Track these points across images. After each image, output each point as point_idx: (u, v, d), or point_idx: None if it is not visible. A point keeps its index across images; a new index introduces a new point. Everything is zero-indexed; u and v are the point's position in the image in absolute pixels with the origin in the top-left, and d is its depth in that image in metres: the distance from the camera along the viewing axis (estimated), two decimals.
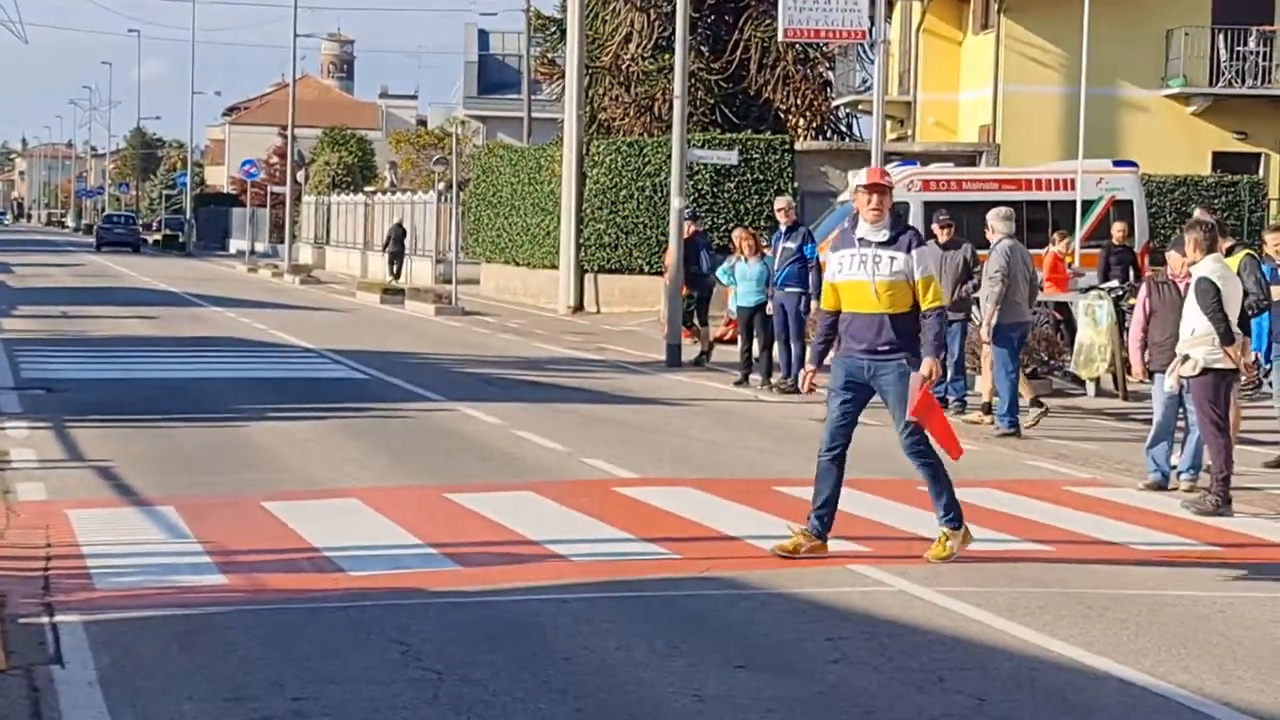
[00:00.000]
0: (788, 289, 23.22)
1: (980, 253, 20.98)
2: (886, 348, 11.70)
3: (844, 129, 50.41)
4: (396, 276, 58.19)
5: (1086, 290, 25.14)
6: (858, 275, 11.75)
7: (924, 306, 11.68)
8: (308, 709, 8.08)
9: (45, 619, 9.70)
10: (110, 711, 8.01)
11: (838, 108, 49.66)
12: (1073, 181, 32.55)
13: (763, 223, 34.87)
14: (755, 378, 24.16)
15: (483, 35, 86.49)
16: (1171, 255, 15.79)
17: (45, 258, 73.01)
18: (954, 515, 11.86)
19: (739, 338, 25.06)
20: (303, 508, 13.48)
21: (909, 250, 11.70)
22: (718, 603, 10.50)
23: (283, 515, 13.11)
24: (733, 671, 8.94)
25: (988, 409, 20.42)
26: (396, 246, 60.11)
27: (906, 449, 11.84)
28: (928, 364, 11.64)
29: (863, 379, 11.84)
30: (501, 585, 10.81)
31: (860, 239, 11.78)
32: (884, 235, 11.73)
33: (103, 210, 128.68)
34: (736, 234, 25.16)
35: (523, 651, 9.22)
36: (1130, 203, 33.63)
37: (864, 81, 48.88)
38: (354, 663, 8.95)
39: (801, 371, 12.36)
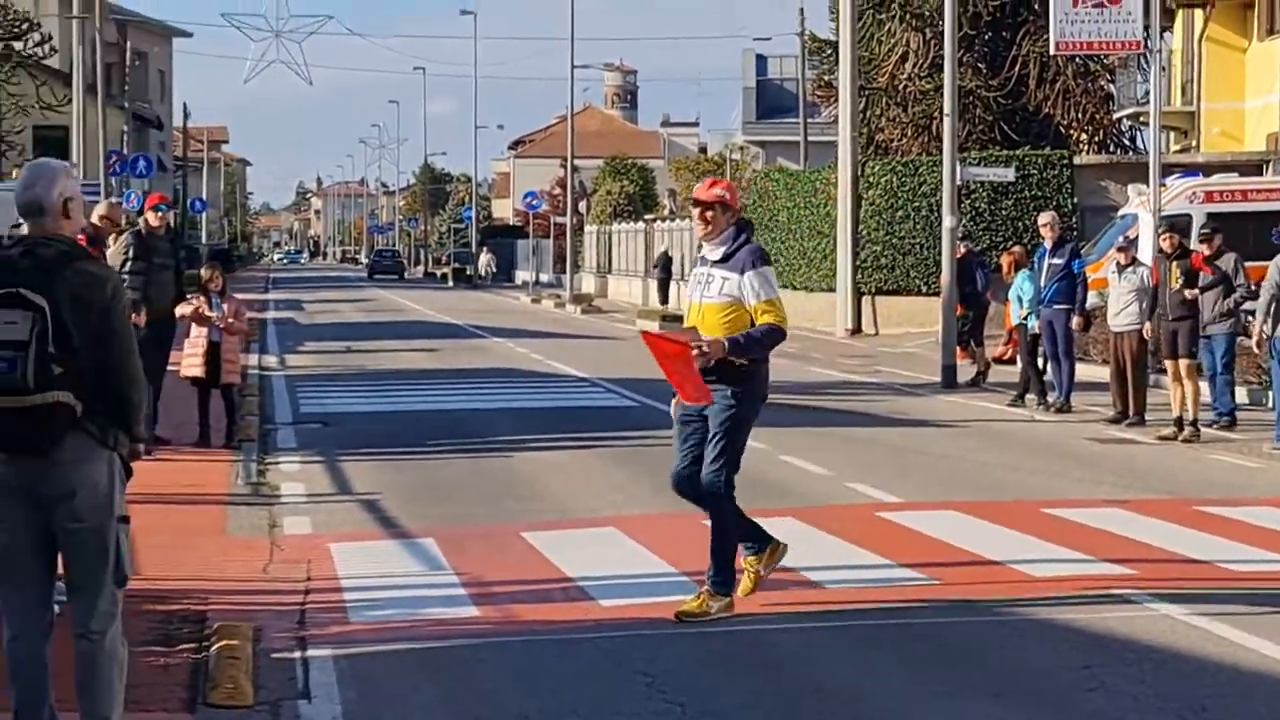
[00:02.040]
0: (1056, 306, 22.79)
1: (1251, 265, 20.57)
2: (714, 378, 10.33)
3: (1126, 142, 49.52)
4: (664, 302, 58.88)
5: None
6: (693, 297, 10.61)
7: (761, 322, 10.31)
8: None
9: (297, 653, 9.77)
10: None
11: (1119, 120, 48.77)
12: None
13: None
14: (1030, 397, 23.73)
15: (760, 60, 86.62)
16: None
17: (335, 294, 74.54)
18: (725, 579, 10.57)
19: (1018, 357, 24.69)
20: (560, 537, 13.46)
21: (742, 271, 10.36)
22: (972, 630, 10.24)
23: (539, 545, 13.09)
24: (987, 700, 8.70)
25: (1180, 423, 20.02)
26: (664, 273, 61.09)
27: (704, 482, 10.57)
28: (720, 342, 10.18)
29: (688, 410, 10.61)
30: (755, 614, 10.66)
31: (701, 258, 10.70)
32: (719, 253, 10.49)
33: (381, 244, 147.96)
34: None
35: (771, 682, 9.07)
36: None
37: (1146, 93, 47.82)
38: (598, 694, 8.87)
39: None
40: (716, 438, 10.46)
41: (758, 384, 10.55)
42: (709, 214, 10.50)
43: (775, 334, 10.34)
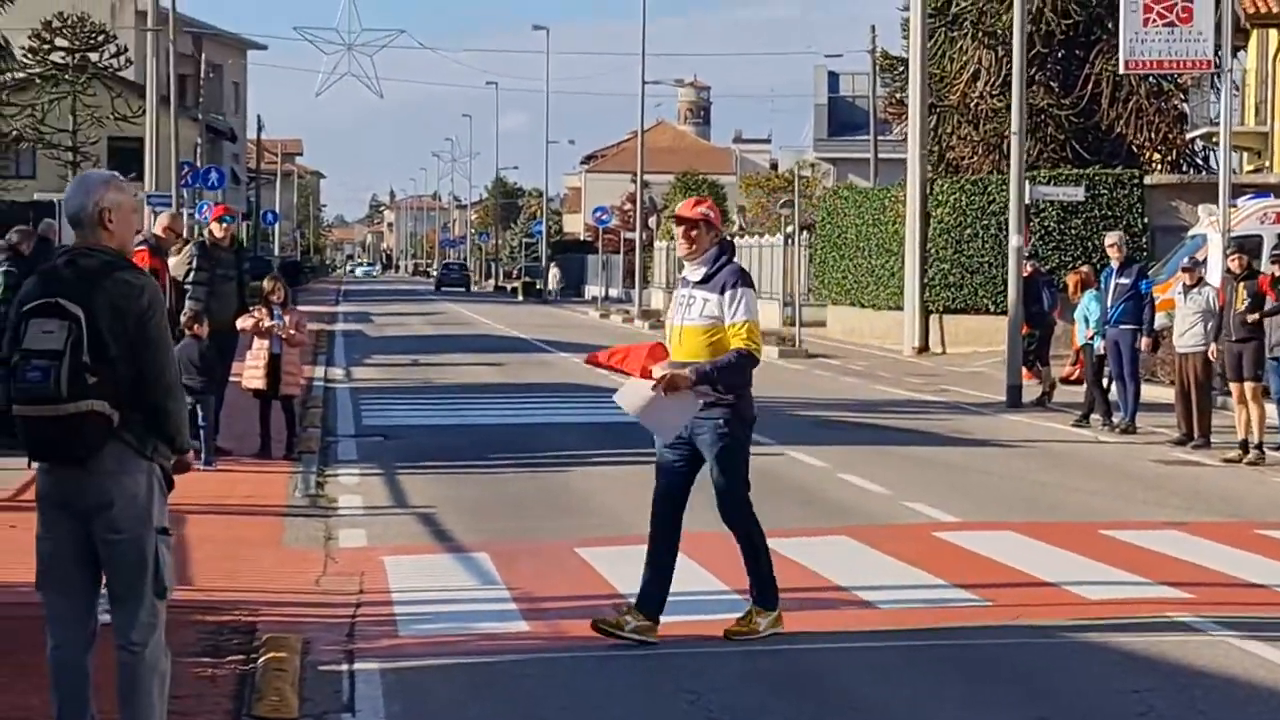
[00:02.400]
0: (1122, 326, 22.68)
1: None
2: (701, 403, 10.11)
3: (1199, 162, 49.19)
4: None
5: None
6: (674, 319, 10.33)
7: (732, 345, 10.08)
8: None
9: (345, 666, 9.78)
10: None
11: (1193, 140, 48.44)
12: None
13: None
14: (1095, 418, 23.58)
15: (832, 77, 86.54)
16: None
17: (405, 307, 74.74)
18: (768, 594, 10.47)
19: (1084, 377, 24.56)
20: (615, 553, 13.41)
21: (723, 291, 10.11)
22: (1023, 651, 10.16)
23: (593, 560, 13.07)
24: None
25: (1245, 446, 19.90)
26: None
27: (725, 511, 10.52)
28: (687, 373, 9.97)
29: (684, 438, 10.30)
30: (802, 632, 10.61)
31: (683, 278, 10.46)
32: (700, 274, 10.25)
33: (452, 257, 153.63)
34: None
35: (813, 702, 9.03)
36: None
37: (1219, 113, 47.55)
38: (641, 711, 8.87)
39: None
40: (718, 469, 10.30)
41: (744, 407, 10.29)
42: (693, 232, 10.25)
43: (747, 360, 10.08)
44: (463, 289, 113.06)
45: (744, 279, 10.25)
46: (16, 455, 7.62)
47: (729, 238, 11.04)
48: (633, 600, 10.49)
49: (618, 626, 10.26)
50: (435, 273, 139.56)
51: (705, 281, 10.18)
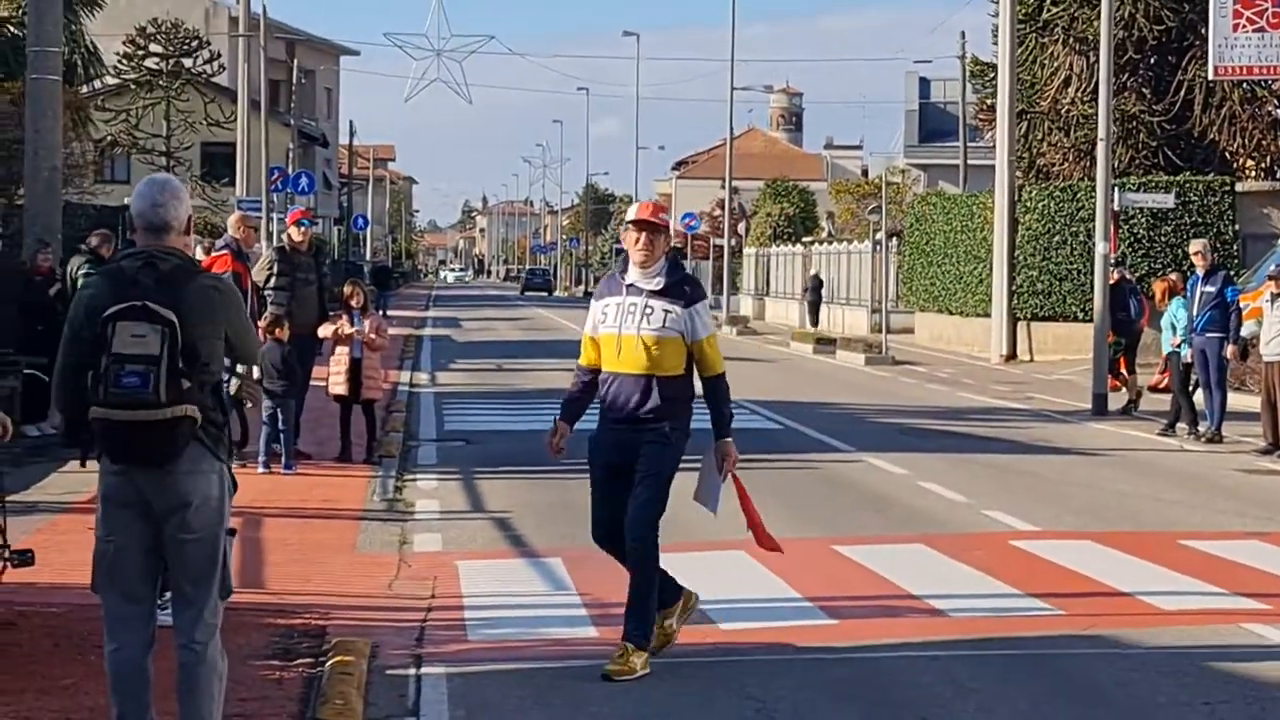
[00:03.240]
0: (1209, 334, 22.46)
1: None
2: (650, 414, 9.83)
3: None
4: (815, 324, 60.33)
5: None
6: (624, 328, 9.87)
7: (706, 374, 9.92)
8: None
9: (412, 670, 9.80)
10: None
11: None
12: None
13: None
14: (1181, 426, 23.38)
15: (924, 83, 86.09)
16: None
17: (494, 312, 74.92)
18: (646, 630, 9.88)
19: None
20: (688, 559, 13.35)
21: (689, 304, 9.82)
22: (1093, 662, 10.07)
23: (666, 566, 12.89)
24: None
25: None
26: (814, 296, 62.59)
27: (628, 538, 9.94)
28: (728, 446, 10.03)
29: (622, 456, 9.96)
30: (871, 641, 10.58)
31: (629, 285, 9.92)
32: (657, 283, 9.84)
33: (544, 263, 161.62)
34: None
35: (878, 711, 8.99)
36: None
37: None
38: (705, 718, 8.81)
39: (550, 434, 10.34)
40: (651, 475, 9.88)
41: (688, 419, 10.06)
42: (654, 238, 9.88)
43: (726, 387, 10.12)
44: (545, 293, 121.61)
45: (702, 290, 10.09)
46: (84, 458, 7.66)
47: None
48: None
49: (668, 639, 10.12)
50: (522, 277, 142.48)
51: (664, 292, 9.81)
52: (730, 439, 10.05)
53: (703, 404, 10.09)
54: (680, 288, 9.85)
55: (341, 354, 18.92)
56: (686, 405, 9.95)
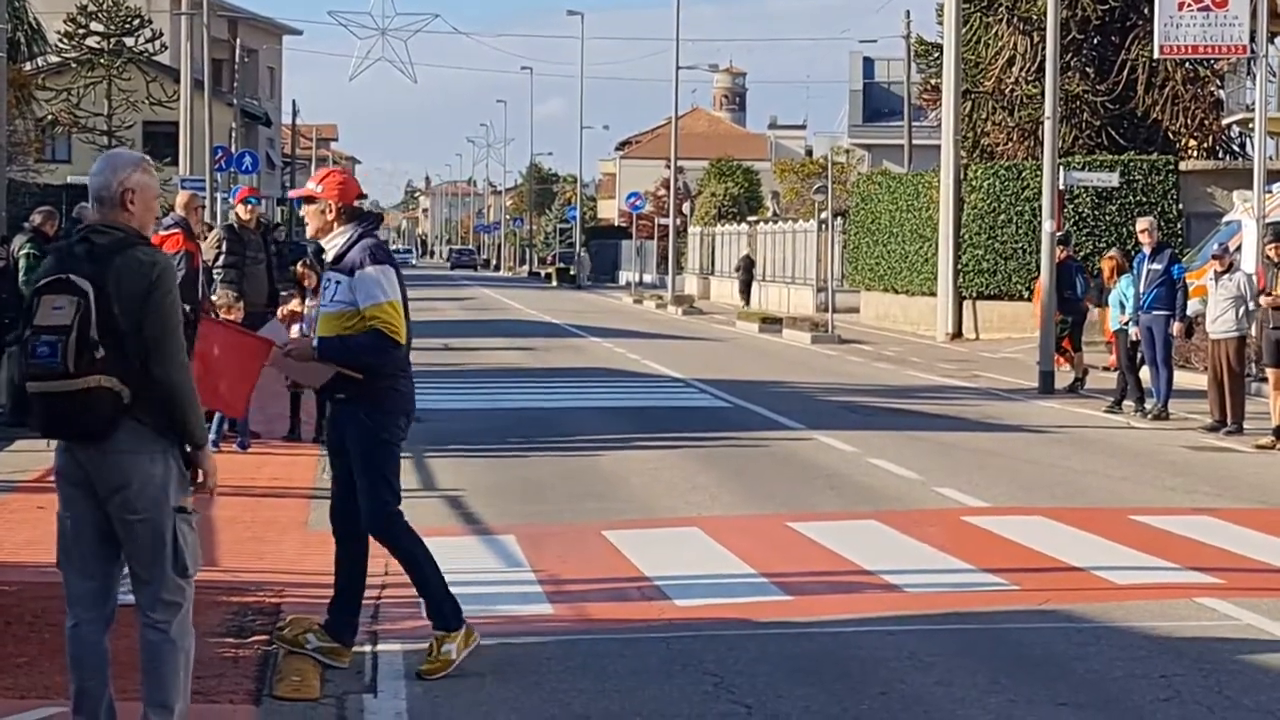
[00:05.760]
0: (1155, 312, 22.59)
1: None
2: (342, 395, 9.26)
3: (1236, 148, 48.94)
4: (746, 303, 63.38)
5: None
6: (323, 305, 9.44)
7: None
8: None
9: (368, 648, 9.77)
10: None
11: (1229, 126, 48.18)
12: None
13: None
14: (1128, 403, 23.50)
15: (868, 63, 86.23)
16: None
17: (437, 292, 74.68)
18: (445, 614, 9.35)
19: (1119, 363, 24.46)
20: (642, 536, 13.41)
21: (352, 272, 9.12)
22: (1049, 636, 10.11)
23: (620, 544, 13.04)
24: (1054, 709, 8.58)
25: (1278, 433, 19.81)
26: (746, 275, 66.11)
27: (366, 519, 9.35)
28: (307, 345, 9.32)
29: (336, 435, 9.45)
30: (828, 617, 10.59)
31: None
32: (332, 255, 9.30)
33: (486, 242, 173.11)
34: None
35: (838, 685, 8.98)
36: None
37: (1255, 99, 47.27)
38: (663, 695, 8.81)
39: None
40: (362, 469, 9.26)
41: (398, 401, 9.31)
42: (309, 208, 9.34)
43: (382, 341, 9.08)
44: (472, 269, 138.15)
45: (375, 256, 9.16)
46: (38, 437, 7.58)
47: (376, 209, 10.26)
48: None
49: (297, 644, 9.31)
50: (451, 255, 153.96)
51: (337, 262, 9.23)
52: (315, 349, 9.25)
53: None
54: (349, 255, 9.22)
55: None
56: (387, 385, 9.26)
